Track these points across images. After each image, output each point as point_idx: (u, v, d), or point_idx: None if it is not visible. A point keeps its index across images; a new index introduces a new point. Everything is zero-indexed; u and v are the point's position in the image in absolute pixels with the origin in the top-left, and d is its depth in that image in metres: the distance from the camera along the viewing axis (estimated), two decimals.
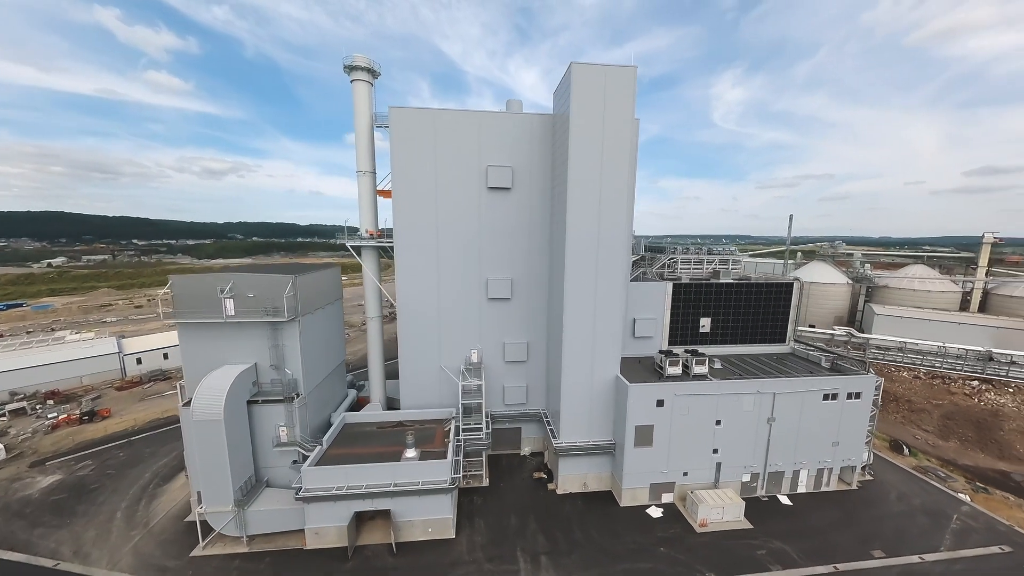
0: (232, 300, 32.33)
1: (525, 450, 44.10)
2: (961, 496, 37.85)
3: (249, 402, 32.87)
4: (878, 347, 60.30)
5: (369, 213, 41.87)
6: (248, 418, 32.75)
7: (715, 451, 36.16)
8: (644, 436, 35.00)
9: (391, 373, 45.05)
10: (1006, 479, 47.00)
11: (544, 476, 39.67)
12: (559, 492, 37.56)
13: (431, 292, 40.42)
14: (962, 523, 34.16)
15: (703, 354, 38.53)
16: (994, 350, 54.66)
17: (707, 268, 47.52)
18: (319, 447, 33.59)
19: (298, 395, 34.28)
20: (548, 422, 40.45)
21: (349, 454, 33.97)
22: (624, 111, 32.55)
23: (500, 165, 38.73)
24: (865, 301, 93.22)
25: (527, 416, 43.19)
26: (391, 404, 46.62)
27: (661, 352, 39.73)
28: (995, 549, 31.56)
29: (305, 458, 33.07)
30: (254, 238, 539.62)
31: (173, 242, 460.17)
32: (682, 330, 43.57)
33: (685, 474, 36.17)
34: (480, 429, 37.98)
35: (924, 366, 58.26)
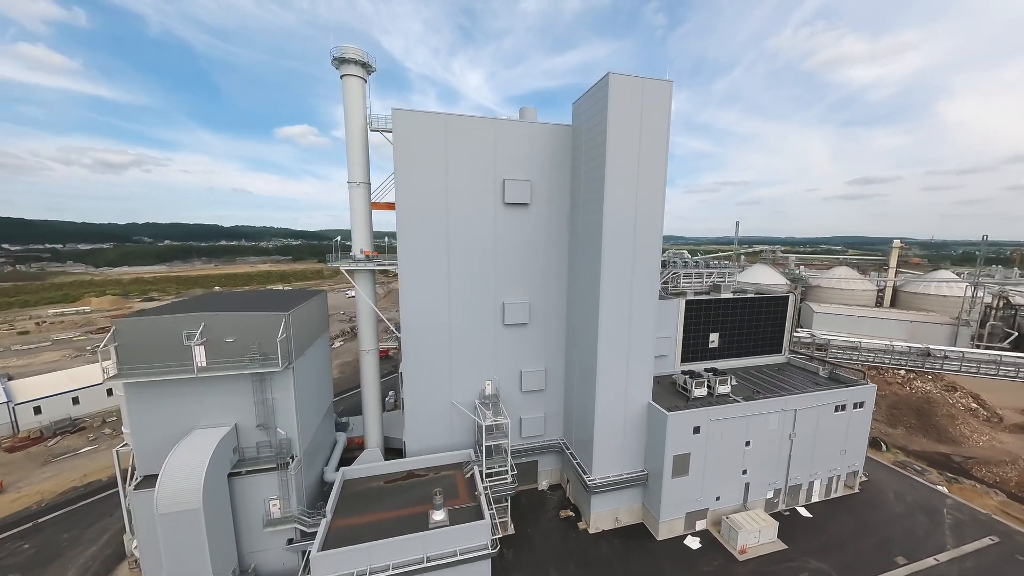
0: (203, 347, 24.90)
1: (543, 484, 40.47)
2: (940, 489, 41.03)
3: (230, 475, 25.64)
4: (837, 347, 65.32)
5: (364, 231, 35.54)
6: (229, 495, 25.53)
7: (744, 472, 35.40)
8: (681, 465, 33.12)
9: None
10: (948, 460, 52.62)
11: (572, 514, 36.37)
12: (591, 532, 34.51)
13: (441, 318, 35.27)
14: (953, 517, 36.69)
15: (725, 372, 37.80)
16: (931, 346, 61.49)
17: (706, 282, 47.35)
18: (322, 519, 27.20)
19: (293, 458, 27.53)
20: (572, 455, 37.19)
21: (361, 524, 27.93)
22: (660, 125, 30.28)
23: (518, 179, 34.71)
24: (801, 300, 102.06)
25: (545, 448, 39.60)
26: (386, 445, 40.51)
27: (684, 373, 38.41)
28: (987, 541, 34.07)
29: (304, 535, 26.61)
30: (167, 241, 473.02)
31: (60, 246, 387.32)
32: (692, 346, 42.74)
33: (717, 498, 34.97)
34: (505, 472, 33.69)
35: (874, 363, 64.02)
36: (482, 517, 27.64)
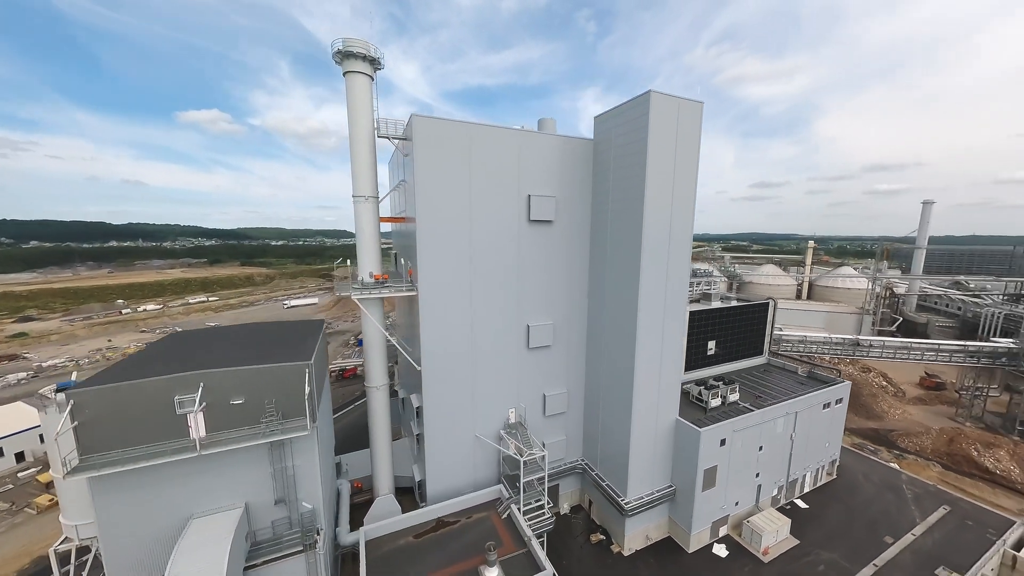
0: (202, 415, 19.20)
1: (564, 507, 38.76)
2: (893, 466, 46.76)
3: (245, 568, 20.22)
4: (787, 340, 72.16)
5: (373, 251, 30.61)
6: None
7: (757, 475, 36.91)
8: (710, 478, 33.46)
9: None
10: (879, 435, 60.83)
11: (602, 537, 35.15)
12: (626, 554, 33.62)
13: (464, 346, 31.75)
14: (912, 492, 41.83)
15: (734, 380, 39.10)
16: (860, 337, 70.51)
17: (695, 291, 48.90)
18: None
19: (320, 532, 22.61)
20: (599, 477, 35.92)
21: None
22: (693, 142, 29.82)
23: (544, 195, 32.27)
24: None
25: (567, 471, 37.88)
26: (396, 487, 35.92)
27: (699, 383, 39.01)
28: (942, 511, 39.28)
29: None
30: (33, 242, 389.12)
31: None
32: (692, 355, 43.77)
33: (736, 503, 36.01)
34: (542, 506, 31.37)
35: (814, 352, 71.86)
36: (539, 567, 25.18)
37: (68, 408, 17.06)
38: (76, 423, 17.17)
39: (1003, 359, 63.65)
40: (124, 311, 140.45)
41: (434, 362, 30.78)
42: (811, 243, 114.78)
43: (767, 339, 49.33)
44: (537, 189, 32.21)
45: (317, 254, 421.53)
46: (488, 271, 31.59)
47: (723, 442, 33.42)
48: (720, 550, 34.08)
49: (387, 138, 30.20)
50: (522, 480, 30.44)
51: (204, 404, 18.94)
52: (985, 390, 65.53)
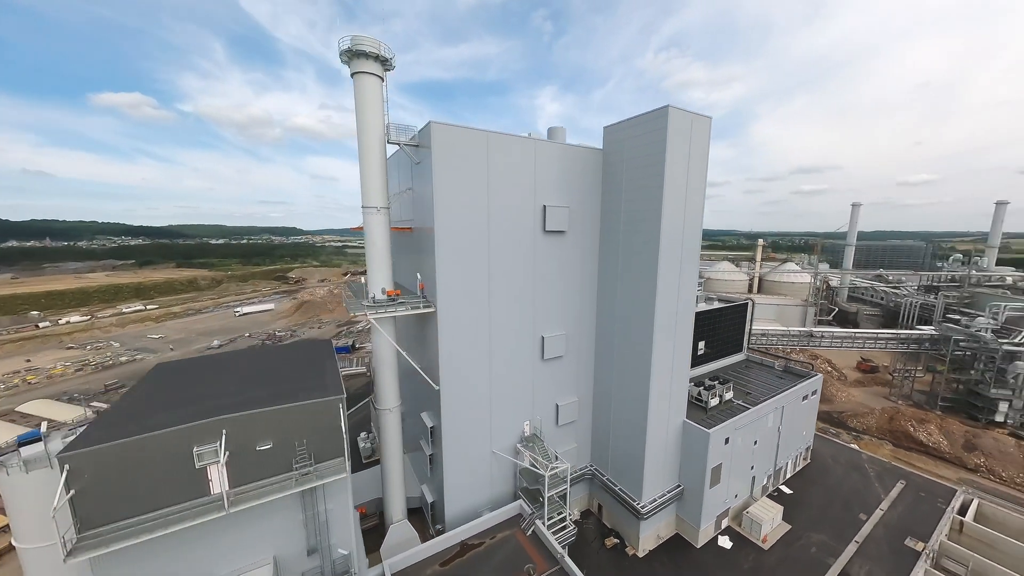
0: (224, 467, 16.70)
1: (574, 513, 38.70)
2: (853, 447, 51.59)
3: None
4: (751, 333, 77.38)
5: (385, 265, 28.40)
6: None
7: (751, 467, 39.04)
8: (716, 475, 34.84)
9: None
10: (832, 417, 66.99)
11: (616, 541, 35.53)
12: (640, 555, 34.23)
13: (482, 360, 30.54)
14: (873, 470, 46.38)
15: (728, 379, 40.98)
16: (813, 329, 77.17)
17: None
18: None
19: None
20: (610, 481, 36.23)
21: None
22: (703, 154, 30.55)
23: (558, 205, 31.66)
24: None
25: (577, 478, 37.83)
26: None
27: (696, 384, 40.42)
28: (900, 485, 43.94)
29: None
30: None
31: None
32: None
33: (736, 496, 37.90)
34: (564, 519, 31.06)
35: (774, 344, 77.70)
36: None
37: (63, 476, 13.93)
38: (72, 492, 14.07)
39: (926, 344, 72.52)
40: (41, 324, 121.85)
41: (453, 380, 29.28)
42: (760, 241, 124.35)
43: (747, 337, 52.36)
44: (552, 199, 31.52)
45: (265, 254, 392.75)
46: (505, 283, 30.51)
47: (727, 441, 34.92)
48: (725, 542, 35.70)
49: (398, 144, 28.00)
50: (546, 495, 29.91)
51: (227, 453, 16.38)
52: (913, 372, 74.33)
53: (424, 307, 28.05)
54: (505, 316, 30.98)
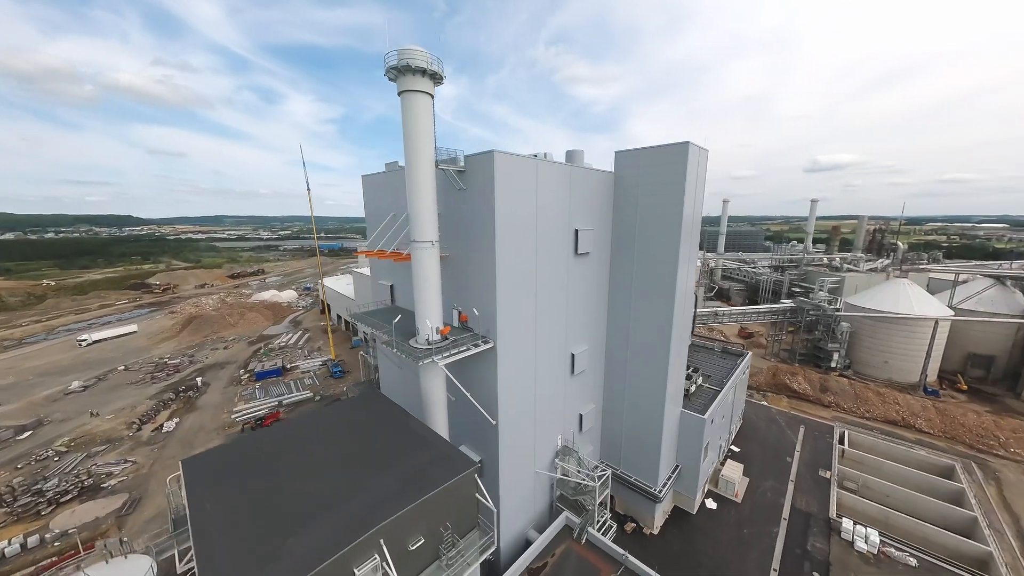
0: None
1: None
2: (764, 403, 65.10)
3: None
4: (701, 314, 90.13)
5: (438, 302, 25.87)
6: None
7: (720, 437, 46.77)
8: (704, 452, 41.02)
9: None
10: None
11: (635, 524, 39.39)
12: (656, 533, 38.73)
13: (529, 386, 30.50)
14: (784, 420, 59.49)
15: (699, 368, 47.80)
16: (719, 308, 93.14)
17: None
18: None
19: None
20: (624, 474, 39.72)
21: None
22: (703, 184, 34.70)
23: (588, 228, 32.63)
24: None
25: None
26: None
27: None
28: (802, 430, 57.36)
29: None
30: None
31: None
32: None
33: (712, 464, 45.13)
34: (606, 520, 33.35)
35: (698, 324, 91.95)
36: None
37: None
38: None
39: (788, 314, 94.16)
40: None
41: (510, 412, 28.64)
42: None
43: (693, 324, 61.10)
44: (581, 223, 32.28)
45: (97, 252, 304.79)
46: (547, 308, 30.57)
47: (712, 421, 41.24)
48: (711, 504, 42.52)
49: (444, 169, 25.38)
50: (596, 502, 31.68)
51: (385, 562, 13.75)
52: (779, 335, 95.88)
53: (483, 343, 26.52)
54: (546, 340, 31.15)
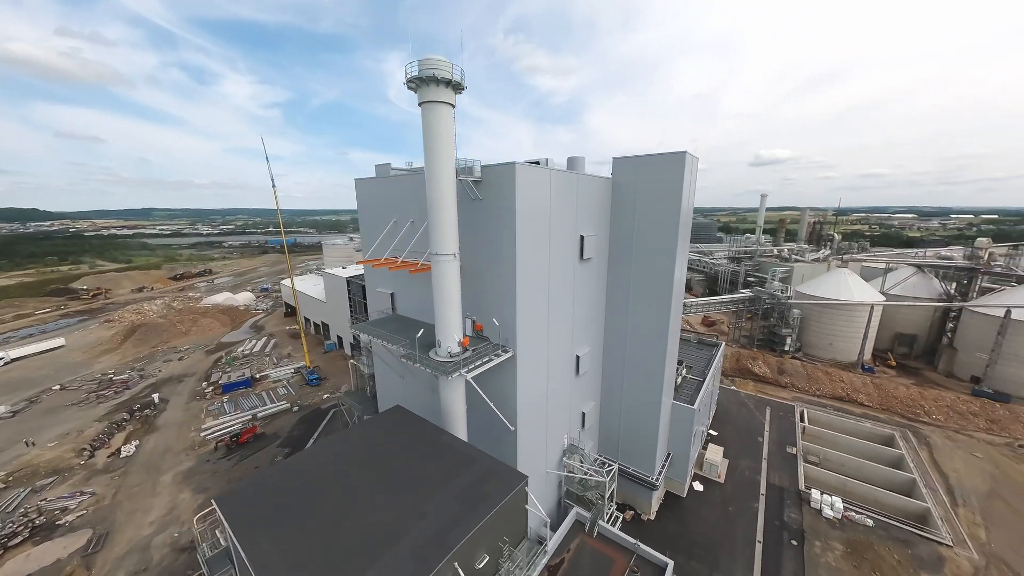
0: None
1: None
2: (733, 388, 70.59)
3: None
4: None
5: (458, 314, 25.78)
6: None
7: (703, 424, 50.41)
8: (694, 439, 44.17)
9: None
10: None
11: (632, 511, 41.76)
12: (652, 519, 41.37)
13: (542, 389, 31.44)
14: (753, 403, 64.96)
15: (682, 360, 51.01)
16: (686, 301, 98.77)
17: None
18: None
19: None
20: (623, 466, 41.79)
21: None
22: (694, 189, 36.87)
23: (591, 234, 33.70)
24: None
25: None
26: None
27: None
28: (768, 409, 62.96)
29: None
30: None
31: None
32: None
33: (697, 449, 48.63)
34: (612, 511, 35.17)
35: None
36: (660, 563, 29.48)
37: None
38: None
39: (747, 303, 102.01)
40: None
41: (528, 418, 29.36)
42: None
43: None
44: (585, 229, 33.25)
45: (0, 252, 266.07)
46: (558, 314, 31.41)
47: (699, 409, 44.40)
48: (698, 486, 45.98)
49: (461, 180, 25.16)
50: (606, 495, 33.34)
51: None
52: (740, 323, 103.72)
53: (503, 353, 26.88)
54: (556, 345, 32.04)
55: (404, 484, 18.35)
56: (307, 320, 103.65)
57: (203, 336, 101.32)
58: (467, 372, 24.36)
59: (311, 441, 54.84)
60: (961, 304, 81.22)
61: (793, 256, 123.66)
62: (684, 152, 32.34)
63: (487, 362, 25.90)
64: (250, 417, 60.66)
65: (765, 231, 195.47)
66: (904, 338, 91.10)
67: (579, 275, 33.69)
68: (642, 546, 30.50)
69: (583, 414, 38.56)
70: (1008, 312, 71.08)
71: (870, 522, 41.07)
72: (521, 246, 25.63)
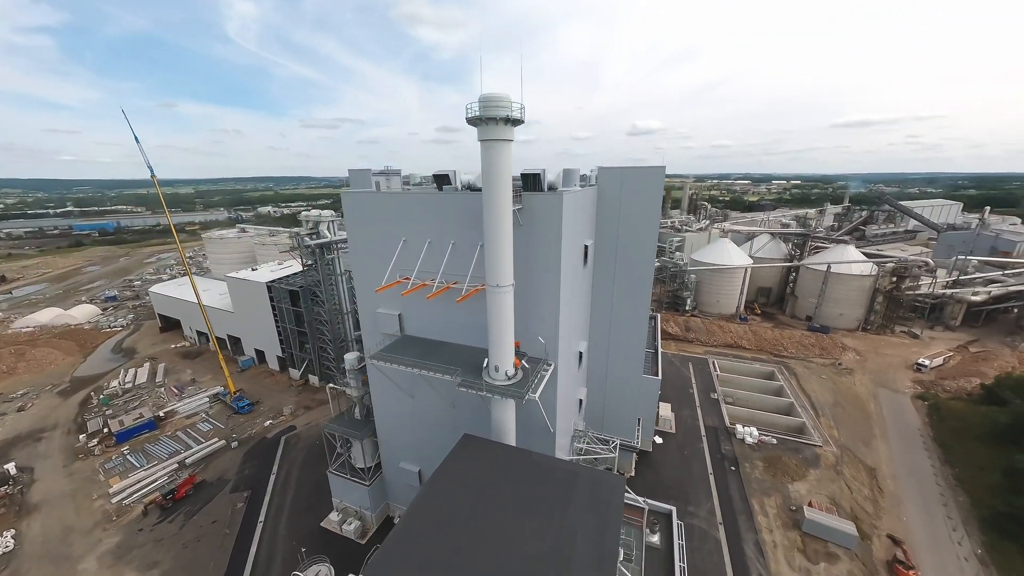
0: None
1: None
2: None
3: None
4: None
5: (510, 341, 27.25)
6: None
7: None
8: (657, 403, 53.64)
9: None
10: None
11: (620, 474, 49.55)
12: (634, 475, 49.94)
13: (566, 389, 35.14)
14: (677, 360, 79.08)
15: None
16: None
17: None
18: None
19: None
20: (609, 437, 48.96)
21: None
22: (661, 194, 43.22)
23: (590, 242, 37.49)
24: None
25: None
26: None
27: None
28: (691, 364, 77.83)
29: None
30: None
31: None
32: None
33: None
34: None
35: None
36: (668, 512, 37.17)
37: None
38: None
39: (657, 271, 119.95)
40: None
41: (562, 419, 32.87)
42: None
43: None
44: (587, 238, 36.85)
45: None
46: (573, 321, 34.92)
47: (663, 381, 53.77)
48: (658, 439, 56.38)
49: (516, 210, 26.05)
50: (615, 468, 39.55)
51: None
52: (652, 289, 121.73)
53: (547, 367, 29.56)
54: (571, 342, 35.79)
55: (536, 508, 20.24)
56: (200, 334, 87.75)
57: (41, 373, 78.31)
58: (534, 393, 26.62)
59: (271, 478, 49.94)
60: (799, 264, 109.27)
61: (684, 228, 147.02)
62: (663, 167, 37.71)
63: (541, 379, 28.38)
64: (176, 466, 51.73)
65: None
66: (764, 291, 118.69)
67: (582, 279, 37.45)
68: (650, 502, 37.68)
69: (580, 401, 43.78)
70: (828, 267, 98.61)
71: (774, 441, 56.32)
72: (564, 268, 28.04)
